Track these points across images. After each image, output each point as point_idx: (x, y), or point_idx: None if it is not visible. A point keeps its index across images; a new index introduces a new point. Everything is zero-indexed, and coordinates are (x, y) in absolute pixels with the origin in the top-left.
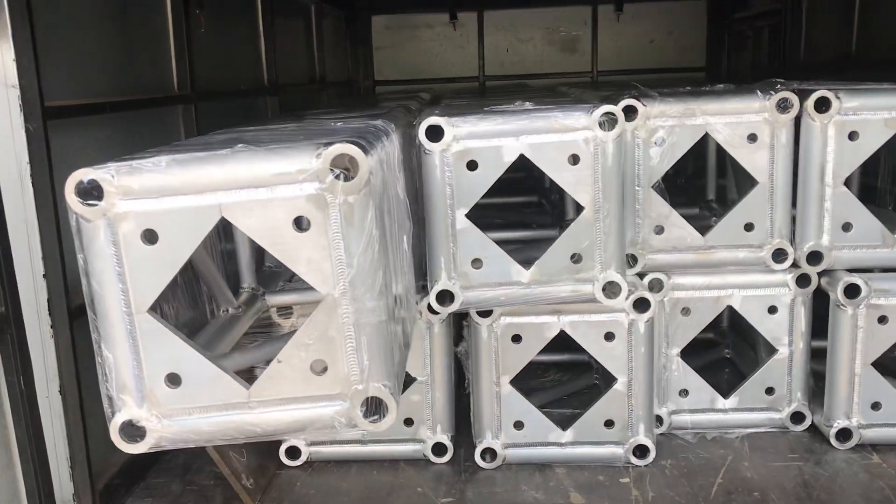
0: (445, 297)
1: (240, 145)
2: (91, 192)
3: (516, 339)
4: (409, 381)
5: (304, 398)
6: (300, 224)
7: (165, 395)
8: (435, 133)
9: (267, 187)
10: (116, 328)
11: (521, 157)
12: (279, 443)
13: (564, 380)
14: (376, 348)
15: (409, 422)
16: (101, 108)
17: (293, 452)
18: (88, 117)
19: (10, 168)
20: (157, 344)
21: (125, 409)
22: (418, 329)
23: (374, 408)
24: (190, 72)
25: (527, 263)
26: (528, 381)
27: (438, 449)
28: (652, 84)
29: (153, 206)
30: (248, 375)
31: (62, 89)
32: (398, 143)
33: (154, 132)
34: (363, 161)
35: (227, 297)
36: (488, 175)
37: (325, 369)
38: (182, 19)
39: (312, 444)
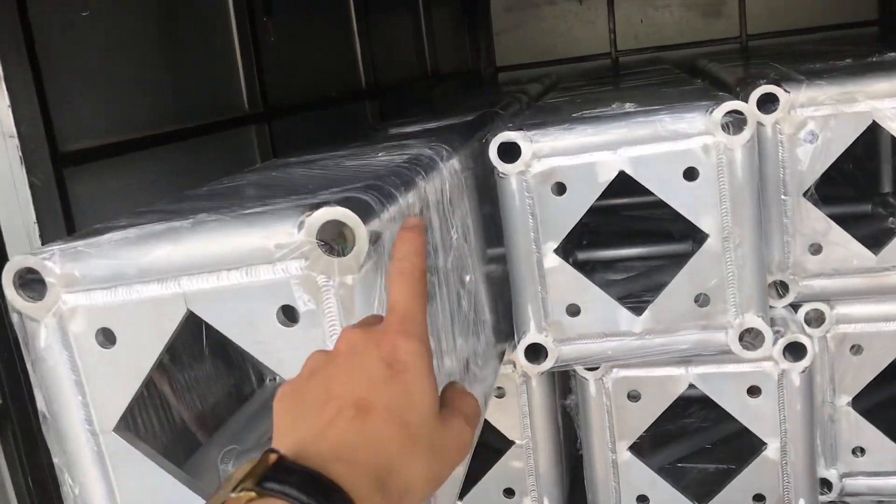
0: (537, 352)
1: (204, 214)
2: (35, 283)
3: (633, 396)
4: (506, 444)
5: None
6: (288, 315)
7: None
8: (509, 152)
9: (240, 269)
10: (81, 452)
11: (622, 174)
12: None
13: (710, 419)
14: None
15: (509, 492)
16: (142, 144)
17: None
18: (129, 155)
19: (17, 230)
20: (131, 471)
21: None
22: (513, 383)
23: None
24: (260, 86)
25: (639, 300)
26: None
27: None
28: (812, 47)
29: (105, 298)
30: None
31: (91, 128)
32: (461, 166)
33: (221, 160)
34: (361, 229)
35: None
36: (580, 199)
37: None
38: (247, 30)
39: None
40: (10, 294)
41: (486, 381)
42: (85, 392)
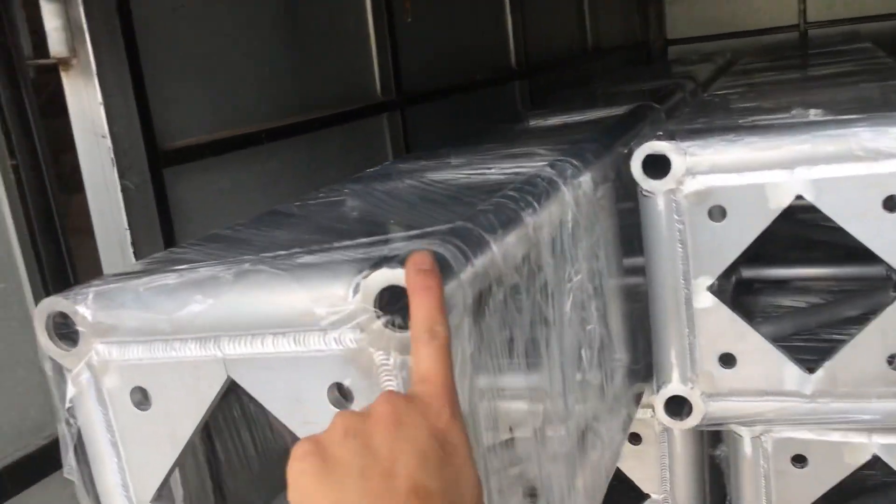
0: (680, 406)
1: (247, 265)
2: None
3: (799, 460)
4: (640, 498)
5: None
6: (343, 393)
7: None
8: (657, 165)
9: (287, 335)
10: None
11: (798, 199)
12: None
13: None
14: None
15: None
16: (256, 139)
17: None
18: (242, 151)
19: (110, 239)
20: None
21: None
22: (651, 430)
23: None
24: (395, 72)
25: (813, 337)
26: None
27: None
28: None
29: (140, 353)
30: None
31: (198, 123)
32: (598, 181)
33: (347, 153)
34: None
35: None
36: (744, 228)
37: None
38: (382, 9)
39: None
40: (43, 340)
41: (613, 442)
42: (121, 455)
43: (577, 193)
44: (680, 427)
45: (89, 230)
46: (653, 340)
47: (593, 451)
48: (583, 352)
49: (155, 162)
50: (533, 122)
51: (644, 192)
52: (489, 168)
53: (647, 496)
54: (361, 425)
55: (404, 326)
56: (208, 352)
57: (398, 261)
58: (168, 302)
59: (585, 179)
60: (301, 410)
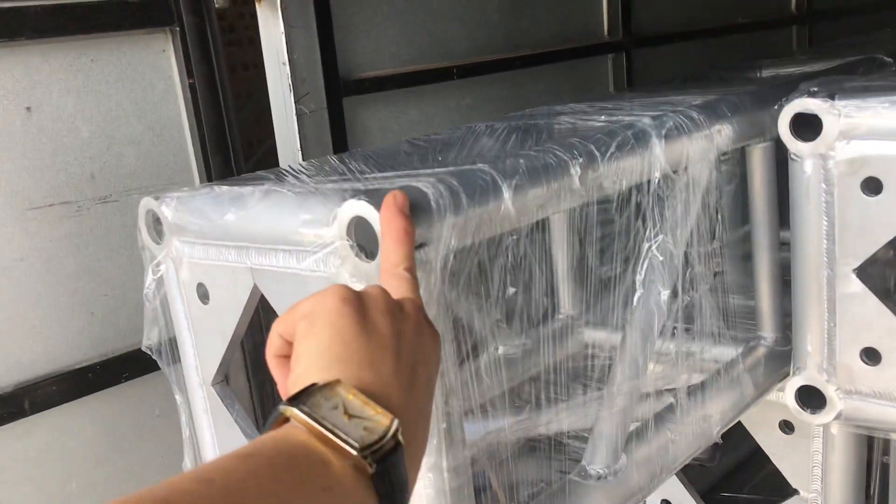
0: (814, 398)
1: (277, 185)
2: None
3: None
4: (785, 493)
5: None
6: None
7: None
8: (808, 126)
9: (293, 252)
10: (193, 397)
11: None
12: None
13: None
14: None
15: None
16: (447, 75)
17: None
18: (432, 85)
19: (286, 158)
20: (224, 428)
21: None
22: (801, 425)
23: None
24: (623, 11)
25: None
26: None
27: None
28: None
29: (200, 254)
30: None
31: (389, 56)
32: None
33: (561, 91)
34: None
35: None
36: None
37: None
38: None
39: None
40: (141, 231)
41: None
42: (194, 341)
43: (680, 148)
44: (811, 421)
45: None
46: (793, 322)
47: (669, 419)
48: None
49: (334, 91)
50: (766, 72)
51: (792, 156)
52: (612, 113)
53: (795, 492)
54: (398, 312)
55: (373, 257)
56: (241, 260)
57: (371, 194)
58: (214, 211)
59: (704, 134)
60: None
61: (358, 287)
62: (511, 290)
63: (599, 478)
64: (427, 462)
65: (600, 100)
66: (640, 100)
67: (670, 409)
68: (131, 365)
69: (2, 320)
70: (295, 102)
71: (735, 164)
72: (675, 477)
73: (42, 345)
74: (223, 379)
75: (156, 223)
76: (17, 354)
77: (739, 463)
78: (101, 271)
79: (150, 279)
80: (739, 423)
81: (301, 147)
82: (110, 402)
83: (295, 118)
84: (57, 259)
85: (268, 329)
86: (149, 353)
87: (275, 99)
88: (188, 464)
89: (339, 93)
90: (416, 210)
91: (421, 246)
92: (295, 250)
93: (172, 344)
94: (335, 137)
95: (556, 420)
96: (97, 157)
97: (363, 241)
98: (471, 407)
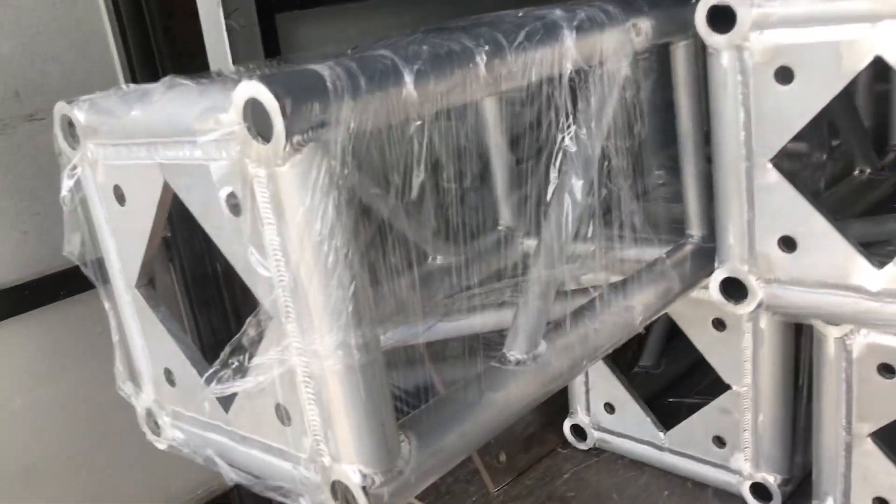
0: (737, 289)
1: (181, 78)
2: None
3: (886, 370)
4: (720, 388)
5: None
6: (233, 204)
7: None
8: (723, 18)
9: (196, 144)
10: (121, 304)
11: (878, 61)
12: (563, 415)
13: None
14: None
15: (719, 441)
16: None
17: (579, 432)
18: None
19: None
20: (152, 332)
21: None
22: (732, 321)
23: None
24: None
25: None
26: None
27: (758, 492)
28: None
29: (114, 155)
30: None
31: None
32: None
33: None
34: (275, 111)
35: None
36: (812, 94)
37: (286, 418)
38: None
39: (600, 429)
40: (57, 136)
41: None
42: (116, 245)
43: (593, 41)
44: (735, 311)
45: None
46: (716, 216)
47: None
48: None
49: (265, 5)
50: None
51: (710, 50)
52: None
53: (728, 387)
54: None
55: (267, 140)
56: (150, 156)
57: (267, 78)
58: (121, 109)
59: (620, 28)
60: (211, 216)
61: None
62: (418, 179)
63: (518, 363)
64: (335, 340)
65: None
66: None
67: (593, 301)
68: (69, 282)
69: None
70: (225, 18)
71: (657, 61)
72: (618, 381)
73: None
74: (147, 281)
75: (70, 128)
76: None
77: (686, 370)
78: (32, 189)
79: (67, 184)
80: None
81: (233, 62)
82: (50, 320)
83: (225, 34)
84: None
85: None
86: (71, 258)
87: (204, 13)
88: (119, 367)
89: (270, 8)
90: (313, 91)
91: (321, 126)
92: (198, 141)
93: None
94: (268, 55)
95: (482, 319)
96: (20, 74)
97: (260, 125)
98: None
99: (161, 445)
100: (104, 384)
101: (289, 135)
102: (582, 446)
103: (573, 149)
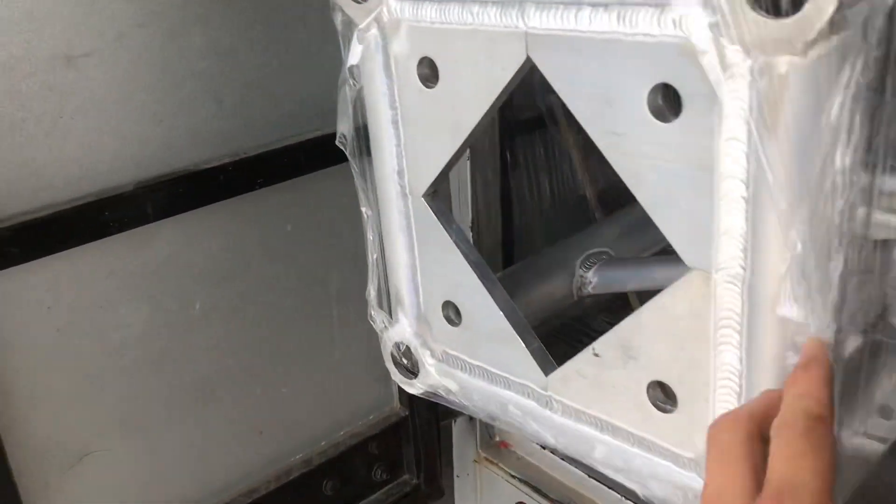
0: None
1: None
2: None
3: None
4: None
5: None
6: (666, 101)
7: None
8: None
9: (611, 8)
10: (391, 214)
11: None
12: None
13: None
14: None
15: None
16: None
17: None
18: None
19: None
20: (432, 252)
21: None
22: None
23: None
24: None
25: None
26: None
27: None
28: None
29: (432, 16)
30: None
31: None
32: None
33: None
34: None
35: None
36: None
37: (669, 399)
38: None
39: None
40: None
41: None
42: (400, 138)
43: None
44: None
45: None
46: None
47: None
48: None
49: None
50: None
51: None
52: None
53: None
54: None
55: (782, 12)
56: (509, 21)
57: None
58: None
59: None
60: (609, 114)
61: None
62: None
63: None
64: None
65: None
66: None
67: None
68: (268, 169)
69: (117, 103)
70: None
71: None
72: None
73: (163, 136)
74: (435, 190)
75: None
76: (136, 148)
77: None
78: (231, 50)
79: (354, 53)
80: None
81: None
82: (239, 212)
83: None
84: (181, 31)
85: None
86: (342, 147)
87: None
88: (372, 291)
89: None
90: None
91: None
92: (615, 6)
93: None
94: None
95: None
96: None
97: None
98: None
99: (413, 390)
100: (288, 291)
101: (840, 7)
102: None
103: None
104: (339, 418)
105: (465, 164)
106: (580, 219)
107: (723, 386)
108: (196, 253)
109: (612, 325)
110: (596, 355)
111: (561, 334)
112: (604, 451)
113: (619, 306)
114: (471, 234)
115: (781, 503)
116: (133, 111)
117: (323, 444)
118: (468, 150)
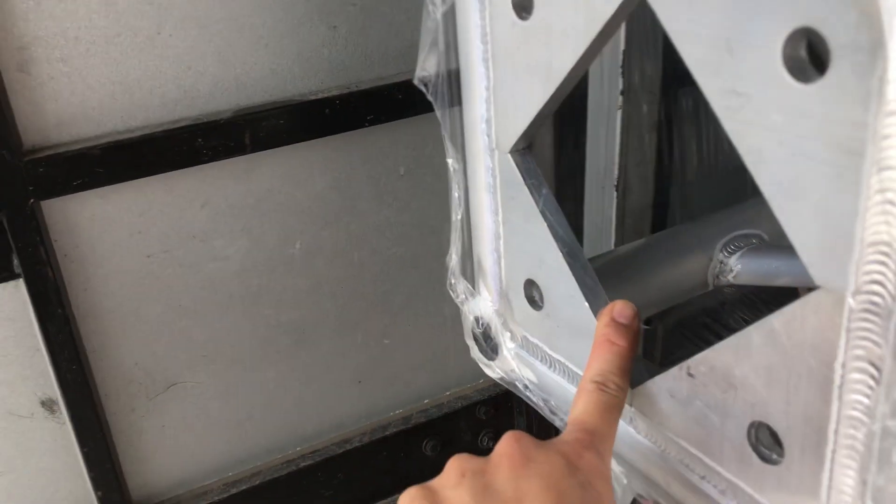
0: None
1: None
2: None
3: None
4: None
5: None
6: (802, 57)
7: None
8: None
9: None
10: (478, 170)
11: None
12: None
13: None
14: None
15: None
16: None
17: None
18: None
19: None
20: (516, 219)
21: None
22: None
23: None
24: None
25: None
26: None
27: None
28: None
29: None
30: None
31: None
32: None
33: None
34: None
35: None
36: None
37: (776, 446)
38: None
39: None
40: None
41: None
42: (490, 80)
43: None
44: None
45: None
46: None
47: None
48: None
49: None
50: None
51: None
52: None
53: None
54: (481, 465)
55: None
56: None
57: None
58: None
59: None
60: (730, 66)
61: None
62: None
63: None
64: None
65: None
66: None
67: None
68: (378, 105)
69: (220, 22)
70: None
71: None
72: None
73: (268, 61)
74: (527, 145)
75: None
76: (238, 72)
77: None
78: None
79: None
80: None
81: None
82: (346, 150)
83: None
84: None
85: None
86: (423, 88)
87: None
88: (454, 256)
89: None
90: None
91: None
92: None
93: (451, 81)
94: None
95: None
96: None
97: None
98: None
99: (492, 373)
100: (398, 237)
101: None
102: None
103: None
104: (445, 377)
105: (616, 115)
106: (741, 191)
107: (846, 446)
108: (298, 189)
109: (748, 323)
110: (690, 375)
111: (686, 328)
112: (683, 491)
113: (764, 302)
114: (615, 194)
115: (570, 428)
116: (237, 32)
117: (426, 401)
118: (619, 99)
